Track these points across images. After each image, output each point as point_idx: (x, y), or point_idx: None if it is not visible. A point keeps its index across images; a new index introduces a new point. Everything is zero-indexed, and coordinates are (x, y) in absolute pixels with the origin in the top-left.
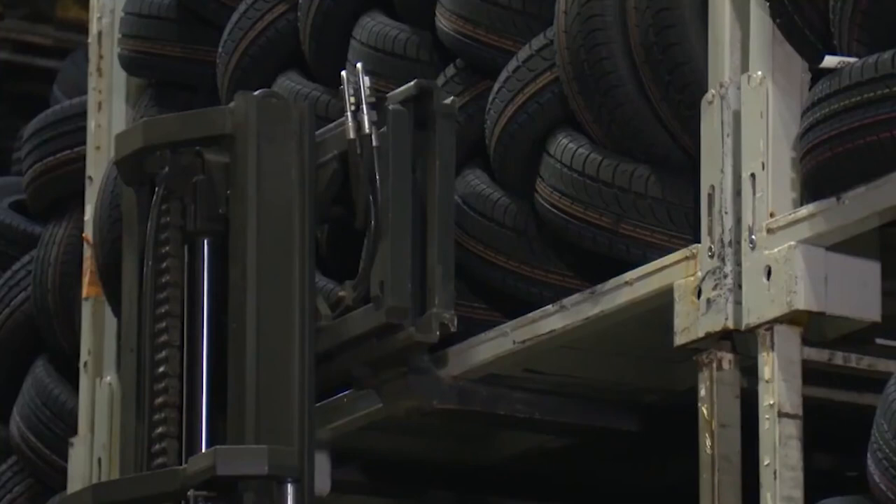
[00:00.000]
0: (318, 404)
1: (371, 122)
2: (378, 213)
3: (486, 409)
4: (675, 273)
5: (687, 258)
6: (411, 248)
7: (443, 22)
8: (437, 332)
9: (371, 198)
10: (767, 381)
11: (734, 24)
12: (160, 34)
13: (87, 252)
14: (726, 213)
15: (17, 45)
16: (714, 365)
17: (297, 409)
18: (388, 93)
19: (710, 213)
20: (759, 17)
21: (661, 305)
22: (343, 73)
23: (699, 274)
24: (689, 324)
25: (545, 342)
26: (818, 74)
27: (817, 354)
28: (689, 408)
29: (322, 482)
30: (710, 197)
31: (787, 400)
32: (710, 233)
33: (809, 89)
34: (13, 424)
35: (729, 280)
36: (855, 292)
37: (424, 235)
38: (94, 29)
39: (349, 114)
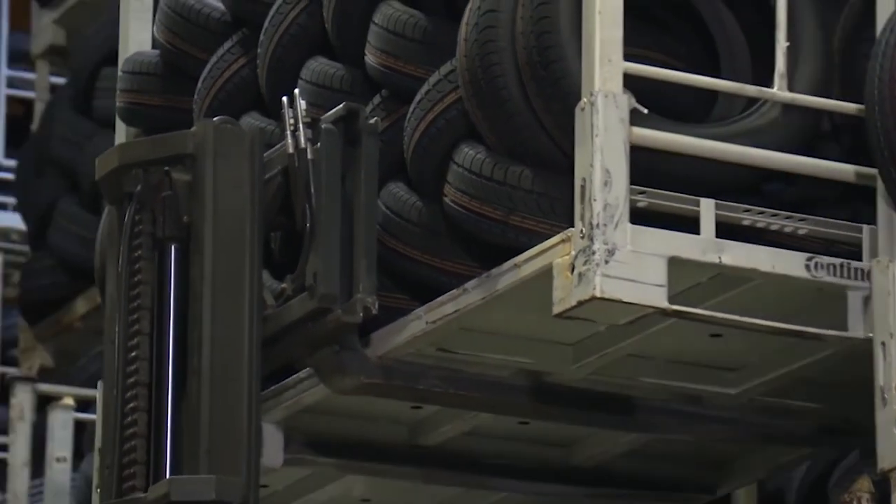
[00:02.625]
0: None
1: (307, 139)
2: (313, 215)
3: (408, 384)
4: (555, 253)
5: (563, 241)
6: (340, 244)
7: (369, 57)
8: (361, 314)
9: (307, 203)
10: None
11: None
12: (146, 87)
13: None
14: (595, 200)
15: None
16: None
17: (245, 403)
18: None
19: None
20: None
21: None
22: (283, 98)
23: (573, 253)
24: (565, 294)
25: (452, 322)
26: None
27: None
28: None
29: (275, 457)
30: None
31: None
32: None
33: None
34: None
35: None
36: None
37: (352, 234)
38: None
39: (289, 133)
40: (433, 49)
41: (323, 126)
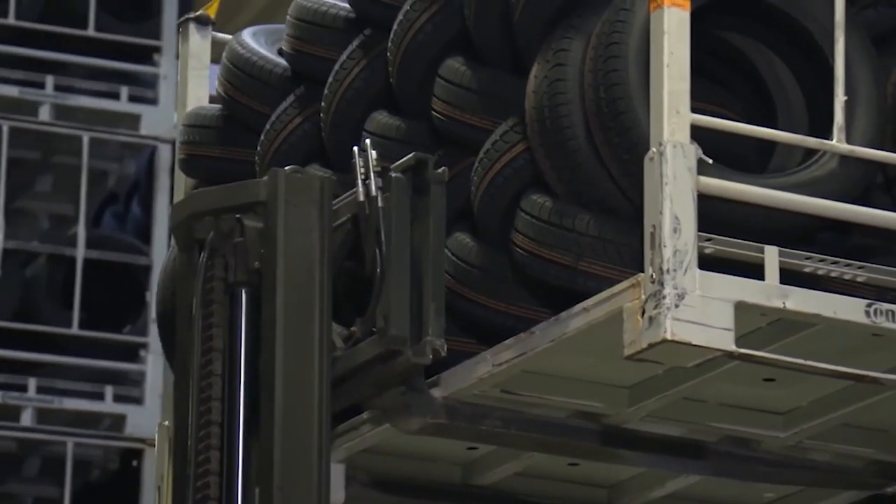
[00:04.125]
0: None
1: (377, 188)
2: (383, 260)
3: (471, 424)
4: (625, 297)
5: (633, 285)
6: (409, 289)
7: (435, 108)
8: (430, 356)
9: (377, 249)
10: None
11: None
12: (205, 140)
13: None
14: (665, 246)
15: None
16: None
17: (316, 442)
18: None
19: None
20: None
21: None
22: (354, 148)
23: (643, 297)
24: (635, 337)
25: (517, 364)
26: None
27: None
28: None
29: (336, 495)
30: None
31: None
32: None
33: None
34: None
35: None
36: None
37: (420, 279)
38: None
39: (359, 181)
40: (497, 101)
41: (393, 175)
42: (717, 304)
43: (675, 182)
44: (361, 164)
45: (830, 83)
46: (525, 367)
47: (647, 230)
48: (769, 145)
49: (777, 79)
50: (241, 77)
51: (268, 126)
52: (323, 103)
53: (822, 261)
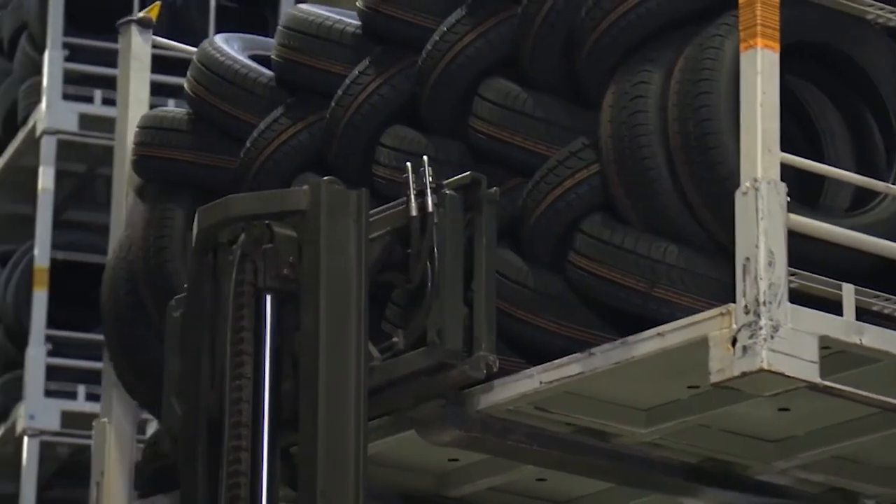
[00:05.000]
0: None
1: (434, 204)
2: (436, 275)
3: (500, 438)
4: (711, 326)
5: (722, 314)
6: (462, 304)
7: (477, 128)
8: (485, 371)
9: (429, 263)
10: None
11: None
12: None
13: None
14: (761, 279)
15: None
16: None
17: (353, 445)
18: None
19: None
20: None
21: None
22: (407, 164)
23: (734, 326)
24: (725, 365)
25: (569, 384)
26: None
27: None
28: None
29: None
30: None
31: None
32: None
33: None
34: None
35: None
36: None
37: (471, 296)
38: None
39: (412, 195)
40: (548, 126)
41: (448, 192)
42: (805, 337)
43: (770, 218)
44: (415, 179)
45: (882, 125)
46: (570, 387)
47: (739, 262)
48: (817, 185)
49: (826, 119)
50: (220, 82)
51: (256, 133)
52: (329, 115)
53: (887, 300)
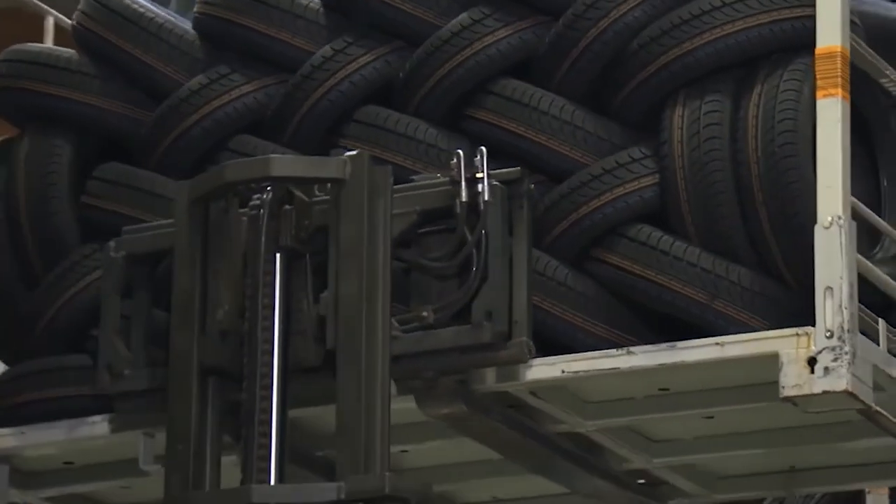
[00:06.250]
0: None
1: (479, 192)
2: (481, 260)
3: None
4: (784, 344)
5: (798, 335)
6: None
7: (491, 122)
8: (528, 355)
9: (476, 249)
10: None
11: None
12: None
13: None
14: (845, 308)
15: None
16: None
17: (379, 409)
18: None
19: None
20: None
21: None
22: (458, 151)
23: (813, 348)
24: (802, 382)
25: (602, 377)
26: None
27: None
28: None
29: None
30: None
31: None
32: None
33: None
34: None
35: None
36: None
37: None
38: None
39: (464, 182)
40: (585, 135)
41: (498, 184)
42: (865, 364)
43: (849, 252)
44: (468, 166)
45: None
46: (583, 382)
47: (820, 290)
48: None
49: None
50: (132, 28)
51: (193, 89)
52: (296, 85)
53: None
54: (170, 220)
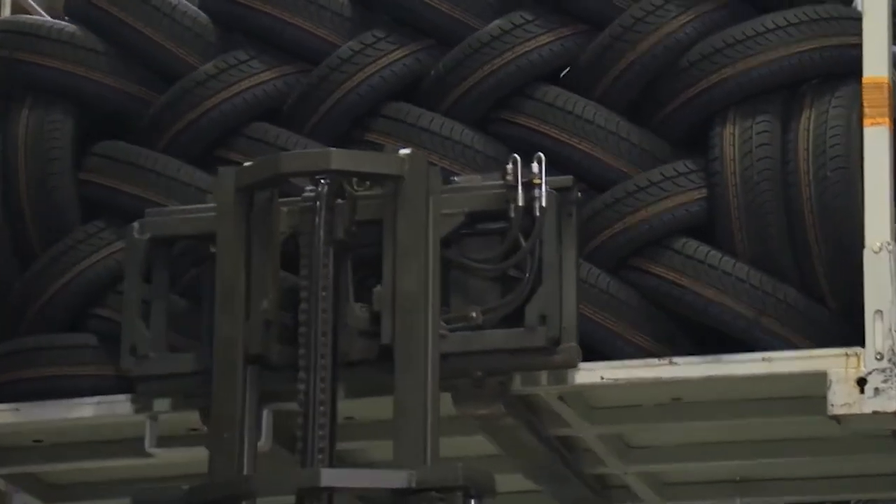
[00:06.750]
0: None
1: (537, 198)
2: (535, 265)
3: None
4: (833, 363)
5: (847, 355)
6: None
7: (526, 125)
8: (577, 361)
9: (530, 254)
10: None
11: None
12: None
13: None
14: (894, 331)
15: None
16: None
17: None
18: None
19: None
20: None
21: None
22: (515, 155)
23: (863, 369)
24: (852, 401)
25: (645, 387)
26: None
27: None
28: None
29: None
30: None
31: None
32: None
33: None
34: None
35: None
36: None
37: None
38: None
39: (521, 186)
40: (629, 147)
41: (553, 191)
42: None
43: None
44: (524, 172)
45: None
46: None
47: (870, 313)
48: None
49: None
50: (144, 7)
51: (212, 71)
52: (322, 77)
53: None
54: (196, 206)
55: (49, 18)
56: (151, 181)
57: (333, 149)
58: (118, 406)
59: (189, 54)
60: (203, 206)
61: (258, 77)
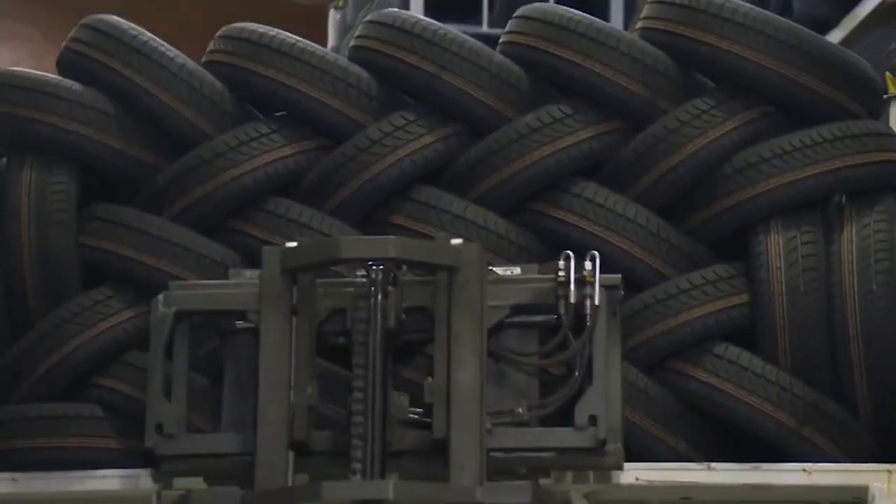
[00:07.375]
0: None
1: (590, 295)
2: (587, 363)
3: None
4: (874, 479)
5: (889, 472)
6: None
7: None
8: (622, 464)
9: (582, 352)
10: None
11: None
12: None
13: None
14: None
15: None
16: None
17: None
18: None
19: None
20: None
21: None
22: (568, 252)
23: None
24: None
25: (674, 490)
26: None
27: None
28: None
29: None
30: None
31: None
32: None
33: None
34: None
35: None
36: None
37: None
38: None
39: (573, 283)
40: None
41: (606, 289)
42: None
43: None
44: (577, 269)
45: None
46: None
47: None
48: None
49: None
50: (158, 70)
51: (231, 142)
52: (349, 156)
53: None
54: (220, 281)
55: (48, 74)
56: (166, 251)
57: (392, 237)
58: (125, 481)
59: (204, 123)
60: (229, 281)
61: (280, 151)
